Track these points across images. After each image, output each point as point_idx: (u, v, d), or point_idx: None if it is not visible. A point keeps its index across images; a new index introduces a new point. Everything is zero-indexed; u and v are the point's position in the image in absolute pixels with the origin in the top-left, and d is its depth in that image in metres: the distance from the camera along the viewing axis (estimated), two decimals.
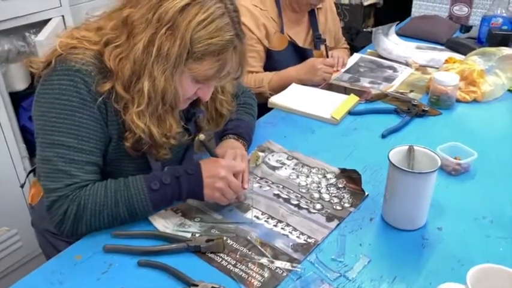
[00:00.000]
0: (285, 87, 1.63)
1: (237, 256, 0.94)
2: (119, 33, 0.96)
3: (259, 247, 0.96)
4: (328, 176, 1.18)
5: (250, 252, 0.95)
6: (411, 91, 1.62)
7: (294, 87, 1.64)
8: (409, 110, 1.48)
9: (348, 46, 2.07)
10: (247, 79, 1.68)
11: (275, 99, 1.54)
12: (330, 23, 1.91)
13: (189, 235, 0.99)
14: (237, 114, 1.27)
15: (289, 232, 1.00)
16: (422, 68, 1.81)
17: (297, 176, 1.18)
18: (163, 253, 0.94)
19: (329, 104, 1.50)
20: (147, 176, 1.01)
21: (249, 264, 0.92)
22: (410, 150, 1.02)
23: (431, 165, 0.97)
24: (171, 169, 1.03)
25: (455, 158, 1.19)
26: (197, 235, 0.99)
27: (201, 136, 1.06)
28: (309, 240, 0.98)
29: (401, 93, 1.59)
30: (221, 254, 0.95)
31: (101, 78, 0.96)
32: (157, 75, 0.93)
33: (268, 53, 1.73)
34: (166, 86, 0.95)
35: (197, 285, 0.86)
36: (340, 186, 1.14)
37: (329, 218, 1.04)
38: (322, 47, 1.85)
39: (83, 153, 0.97)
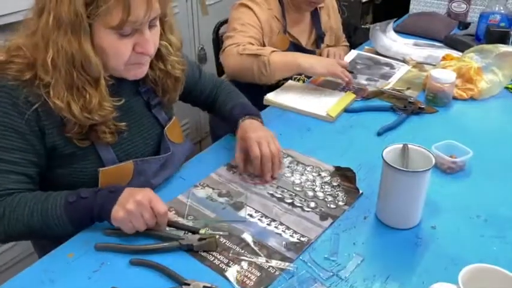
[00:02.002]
0: (286, 68, 1.52)
1: (230, 255, 0.94)
2: (32, 23, 0.95)
3: (253, 246, 0.96)
4: (323, 174, 1.17)
5: (243, 251, 0.95)
6: (408, 88, 1.61)
7: (290, 84, 1.63)
8: (405, 107, 1.47)
9: (348, 44, 2.06)
10: (247, 46, 1.53)
11: (270, 97, 1.53)
12: (333, 21, 1.89)
13: (181, 233, 0.98)
14: (233, 100, 1.29)
15: (282, 231, 1.00)
16: (419, 65, 1.80)
17: (292, 174, 1.18)
18: (156, 252, 0.94)
19: (325, 102, 1.49)
20: (74, 191, 0.97)
21: (242, 263, 0.92)
22: (405, 148, 1.02)
23: (425, 164, 0.96)
24: (102, 188, 0.99)
25: (451, 156, 1.19)
26: (189, 234, 0.98)
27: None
28: (302, 239, 0.98)
29: (398, 91, 1.58)
30: (214, 253, 0.94)
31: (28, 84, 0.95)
32: (60, 42, 0.91)
33: None
34: (72, 50, 0.91)
35: (189, 284, 0.86)
36: (334, 184, 1.14)
37: (323, 217, 1.04)
38: (323, 46, 1.84)
39: (5, 162, 0.95)
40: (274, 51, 1.53)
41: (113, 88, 1.01)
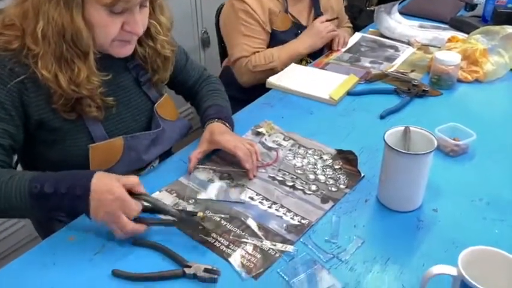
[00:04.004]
0: (292, 62, 1.64)
1: (231, 237, 0.94)
2: None
3: (254, 229, 0.96)
4: (325, 157, 1.17)
5: (243, 234, 0.95)
6: (412, 71, 1.59)
7: (292, 67, 1.61)
8: (409, 90, 1.45)
9: (351, 25, 2.03)
10: (255, 58, 1.66)
11: (273, 80, 1.52)
12: (333, 1, 1.87)
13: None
14: (213, 100, 1.25)
15: (283, 213, 1.00)
16: (424, 47, 1.77)
17: (293, 157, 1.17)
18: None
19: (328, 84, 1.47)
20: (37, 175, 0.90)
21: (243, 246, 0.92)
22: (407, 131, 1.01)
23: (427, 147, 0.96)
24: (66, 177, 0.90)
25: (454, 139, 1.17)
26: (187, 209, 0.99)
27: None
28: (303, 221, 0.98)
29: (402, 73, 1.56)
30: (214, 235, 0.94)
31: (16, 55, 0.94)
32: (51, 13, 0.90)
33: (272, 34, 1.71)
34: (63, 23, 0.91)
35: (190, 266, 0.86)
36: (336, 167, 1.13)
37: (324, 200, 1.04)
38: None
39: None
40: (280, 52, 1.66)
41: (101, 63, 1.01)
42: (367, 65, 1.65)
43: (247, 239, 0.93)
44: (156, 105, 1.16)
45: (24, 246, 1.91)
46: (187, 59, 1.31)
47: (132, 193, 0.90)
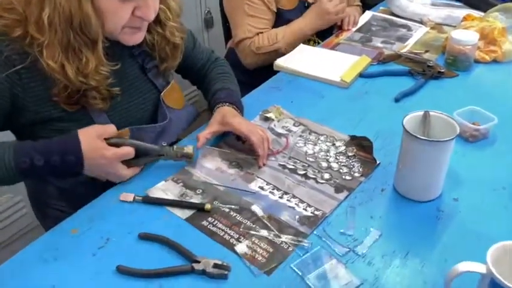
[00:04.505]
0: (299, 42, 1.57)
1: (241, 230, 0.89)
2: None
3: (264, 220, 0.91)
4: (337, 143, 1.11)
5: (254, 226, 0.90)
6: (426, 51, 1.52)
7: (301, 48, 1.55)
8: (424, 71, 1.39)
9: (360, 4, 1.95)
10: (259, 39, 1.59)
11: (281, 62, 1.46)
12: None
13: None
14: (222, 83, 1.19)
15: (295, 204, 0.95)
16: (437, 27, 1.70)
17: (304, 144, 1.12)
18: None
19: (339, 66, 1.41)
20: (19, 149, 0.90)
21: (253, 239, 0.87)
22: (426, 116, 0.95)
23: (448, 132, 0.90)
24: (52, 146, 0.92)
25: (473, 123, 1.12)
26: (173, 149, 1.01)
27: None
28: (316, 212, 0.93)
29: (416, 54, 1.50)
30: (224, 228, 0.90)
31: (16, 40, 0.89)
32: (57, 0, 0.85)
33: (278, 13, 1.64)
34: (71, 9, 0.85)
35: (199, 262, 0.82)
36: (350, 154, 1.08)
37: (338, 189, 0.98)
38: None
39: None
40: (284, 32, 1.58)
41: (107, 51, 0.95)
42: (379, 45, 1.58)
43: (258, 231, 0.89)
44: (162, 93, 1.10)
45: (26, 234, 1.87)
46: (195, 42, 1.24)
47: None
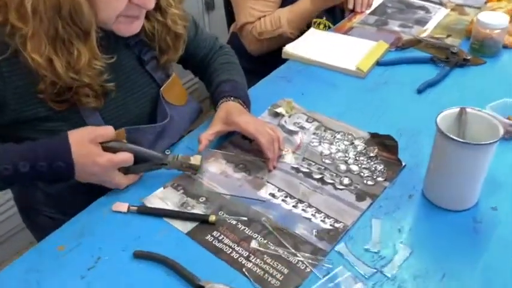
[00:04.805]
0: (304, 23, 1.44)
1: (250, 246, 0.78)
2: None
3: (276, 234, 0.80)
4: (356, 142, 0.99)
5: (265, 241, 0.79)
6: (448, 36, 1.39)
7: (311, 33, 1.41)
8: (447, 59, 1.26)
9: None
10: (261, 24, 1.46)
11: (289, 49, 1.33)
12: None
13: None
14: (227, 74, 1.07)
15: (311, 215, 0.83)
16: (458, 8, 1.56)
17: (319, 143, 1.00)
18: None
19: (353, 53, 1.28)
20: (5, 150, 0.81)
21: (265, 257, 0.76)
22: (462, 112, 0.83)
23: (486, 132, 0.78)
24: (37, 150, 0.81)
25: (508, 118, 1.00)
26: (177, 158, 0.89)
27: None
28: (336, 224, 0.81)
29: (437, 39, 1.37)
30: (231, 244, 0.78)
31: None
32: None
33: None
34: None
35: (203, 287, 0.71)
36: (371, 155, 0.96)
37: (359, 196, 0.87)
38: None
39: None
40: (288, 14, 1.44)
41: (101, 43, 0.83)
42: (396, 29, 1.45)
43: (270, 248, 0.78)
44: (162, 88, 0.98)
45: (14, 236, 1.77)
46: (197, 29, 1.11)
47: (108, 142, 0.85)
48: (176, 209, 0.85)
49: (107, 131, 0.85)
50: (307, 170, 0.93)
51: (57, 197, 1.01)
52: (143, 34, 0.93)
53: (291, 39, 1.40)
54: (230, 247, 0.78)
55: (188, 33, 1.04)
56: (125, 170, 0.87)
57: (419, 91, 1.15)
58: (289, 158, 0.96)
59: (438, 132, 0.79)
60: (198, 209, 0.85)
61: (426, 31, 1.43)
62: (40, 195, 1.02)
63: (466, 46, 1.32)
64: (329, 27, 1.52)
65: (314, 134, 1.02)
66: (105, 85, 0.87)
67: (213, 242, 0.79)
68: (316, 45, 1.34)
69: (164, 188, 0.90)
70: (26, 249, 0.81)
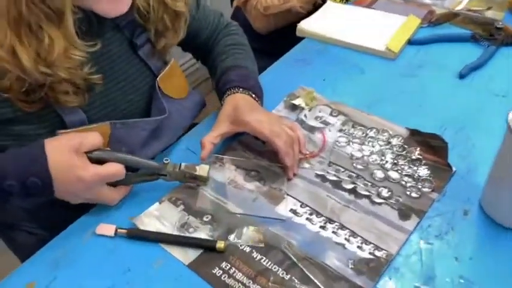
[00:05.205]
0: None
1: (269, 284, 0.62)
2: None
3: (302, 267, 0.63)
4: (394, 141, 0.82)
5: (288, 277, 0.62)
6: (489, 8, 1.20)
7: (328, 6, 1.22)
8: (491, 36, 1.07)
9: None
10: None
11: (304, 25, 1.14)
12: None
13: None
14: (234, 58, 0.89)
15: (345, 239, 0.67)
16: None
17: (348, 143, 0.82)
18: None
19: (380, 30, 1.09)
20: None
21: None
22: None
23: None
24: (6, 164, 0.65)
25: None
26: (179, 168, 0.72)
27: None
28: (377, 253, 0.65)
29: (476, 12, 1.18)
30: (245, 280, 0.62)
31: None
32: None
33: None
34: None
35: None
36: (413, 157, 0.78)
37: (403, 213, 0.70)
38: None
39: None
40: None
41: (79, 22, 0.65)
42: (427, 0, 1.25)
43: (295, 286, 0.61)
44: (158, 78, 0.80)
45: None
46: (198, 4, 0.92)
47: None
48: (175, 233, 0.68)
49: (92, 138, 0.68)
50: (335, 178, 0.76)
51: (35, 212, 0.85)
52: (135, 12, 0.75)
53: (301, 15, 1.21)
54: (244, 284, 0.62)
55: (189, 11, 0.85)
56: (114, 182, 0.70)
57: (462, 75, 0.97)
58: (312, 163, 0.78)
59: (509, 133, 0.62)
60: (203, 232, 0.68)
61: (462, 3, 1.23)
62: (16, 210, 0.86)
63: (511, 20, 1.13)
64: (348, 0, 1.33)
65: (340, 130, 0.85)
66: (89, 78, 0.69)
67: (222, 277, 0.63)
68: (335, 21, 1.15)
69: (160, 203, 0.73)
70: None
